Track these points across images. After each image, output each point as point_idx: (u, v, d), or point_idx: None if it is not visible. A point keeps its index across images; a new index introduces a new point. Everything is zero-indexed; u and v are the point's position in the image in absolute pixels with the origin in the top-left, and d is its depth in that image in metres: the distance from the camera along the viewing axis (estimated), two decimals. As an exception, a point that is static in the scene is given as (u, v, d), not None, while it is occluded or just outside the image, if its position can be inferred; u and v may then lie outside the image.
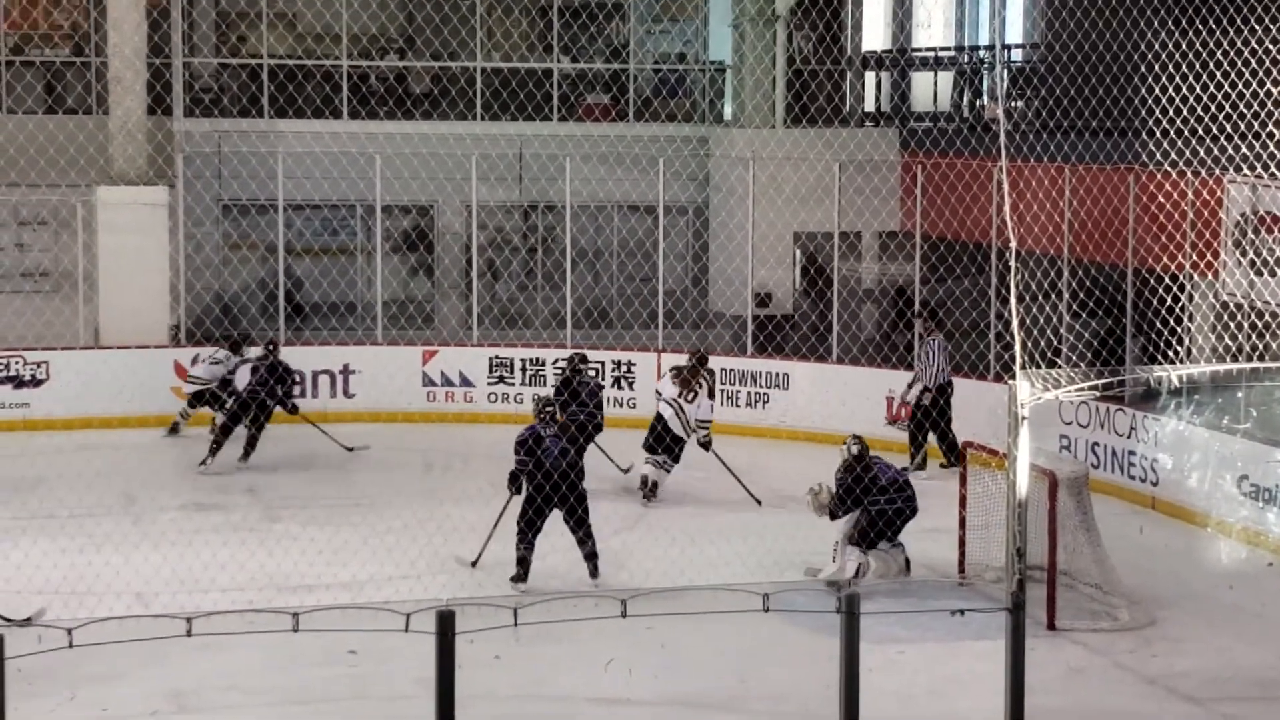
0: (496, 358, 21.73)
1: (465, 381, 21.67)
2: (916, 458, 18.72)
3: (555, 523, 14.50)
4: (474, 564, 14.78)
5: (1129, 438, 17.65)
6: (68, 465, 18.23)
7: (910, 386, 19.15)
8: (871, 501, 14.42)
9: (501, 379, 21.71)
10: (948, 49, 27.12)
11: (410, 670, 11.55)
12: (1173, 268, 17.86)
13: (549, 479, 14.24)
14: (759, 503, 17.37)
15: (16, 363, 20.75)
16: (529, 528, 14.30)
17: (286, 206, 22.69)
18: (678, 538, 15.46)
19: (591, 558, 14.44)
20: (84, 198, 21.94)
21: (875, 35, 27.61)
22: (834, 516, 14.59)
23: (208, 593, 13.63)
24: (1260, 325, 17.08)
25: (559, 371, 19.65)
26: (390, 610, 8.89)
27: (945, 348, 19.19)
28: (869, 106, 26.46)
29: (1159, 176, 17.76)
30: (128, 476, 17.90)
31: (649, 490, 17.48)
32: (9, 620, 12.36)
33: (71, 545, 15.10)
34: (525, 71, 25.02)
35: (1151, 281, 17.30)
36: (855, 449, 14.60)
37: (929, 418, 18.96)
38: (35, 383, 20.75)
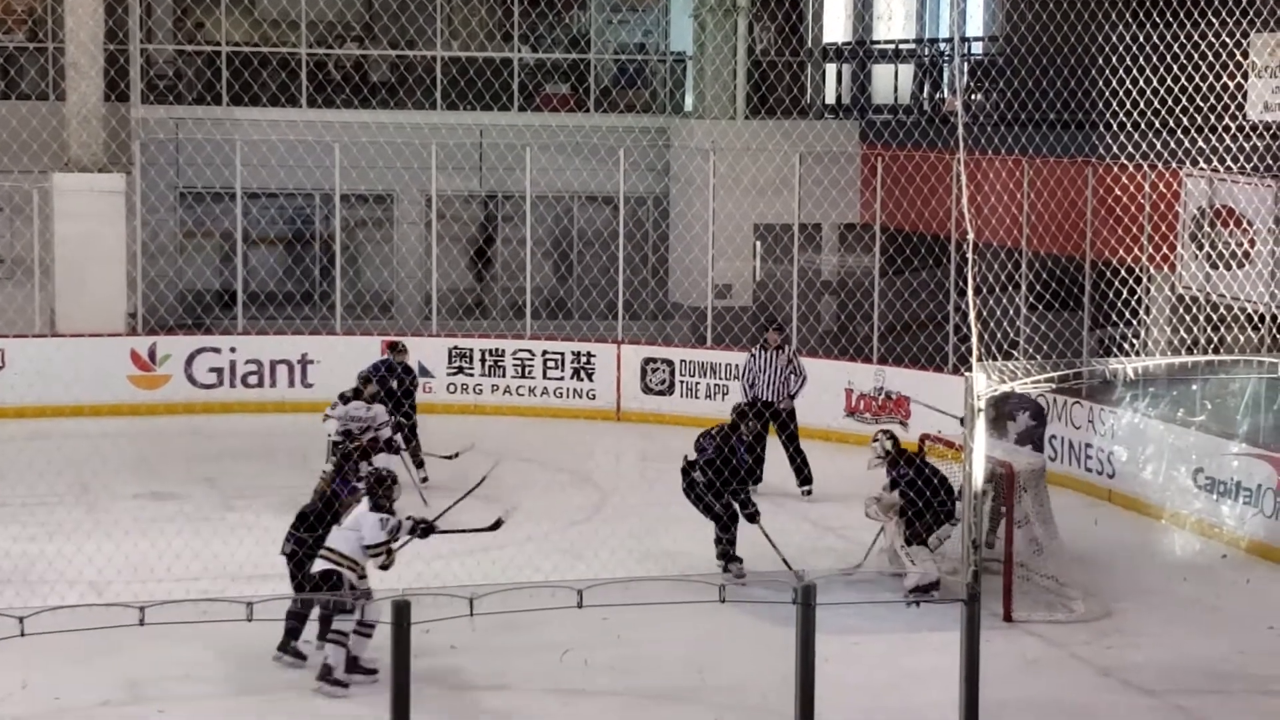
0: (456, 348, 21.67)
1: (424, 372, 21.53)
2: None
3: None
4: None
5: (1085, 430, 17.71)
6: (21, 453, 18.07)
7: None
8: (934, 491, 14.07)
9: (460, 369, 21.65)
10: (908, 41, 27.16)
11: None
12: (1130, 261, 17.93)
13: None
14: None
15: (-30, 350, 20.60)
16: None
17: (244, 195, 22.58)
18: (635, 528, 15.45)
19: None
20: (40, 184, 21.78)
21: (836, 27, 27.63)
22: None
23: (161, 582, 13.53)
24: (1216, 318, 17.16)
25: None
26: (345, 599, 8.85)
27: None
28: (829, 98, 26.48)
29: (1116, 170, 17.82)
30: (82, 465, 17.78)
31: None
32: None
33: (24, 534, 15.00)
34: (485, 60, 24.94)
35: (1108, 274, 17.37)
36: (890, 444, 14.27)
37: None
38: (-11, 370, 20.59)
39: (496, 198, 24.74)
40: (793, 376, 17.69)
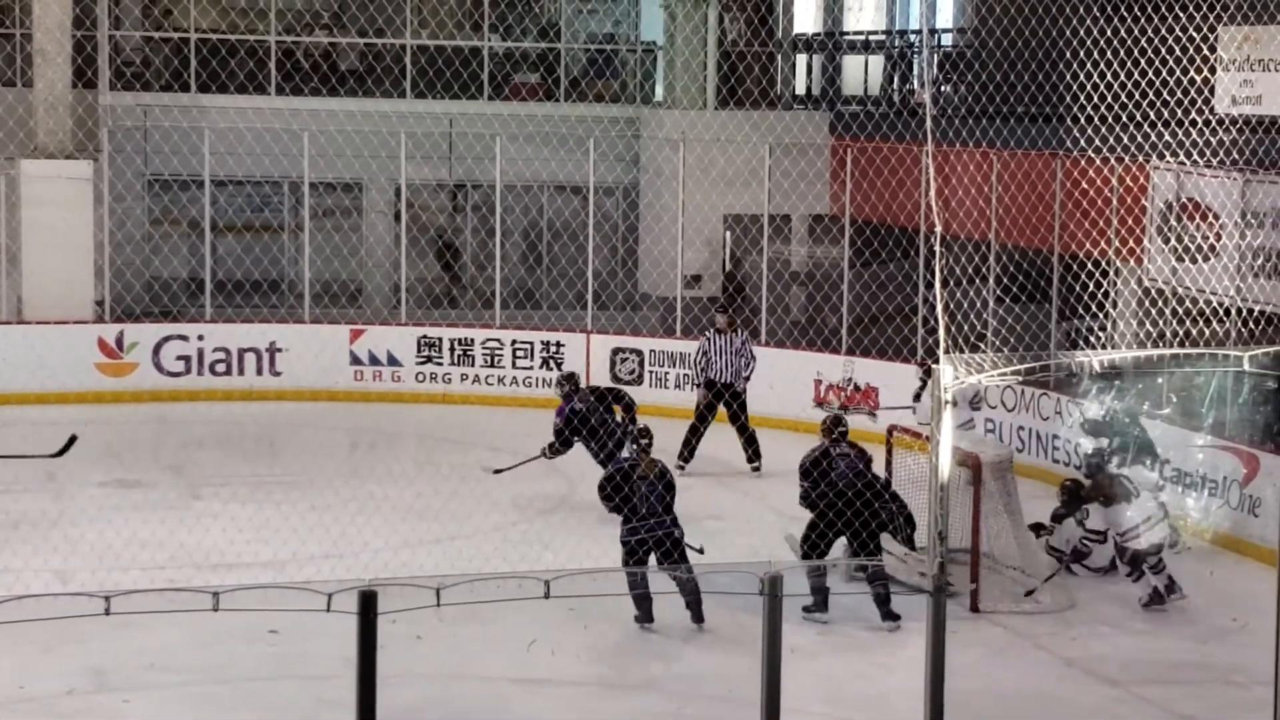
0: (424, 337, 21.64)
1: (393, 361, 21.57)
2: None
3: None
4: None
5: (1053, 422, 17.76)
6: (-13, 441, 18.01)
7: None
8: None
9: (429, 359, 21.62)
10: (877, 33, 27.20)
11: (332, 650, 11.45)
12: (1097, 253, 17.99)
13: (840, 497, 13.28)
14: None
15: (-64, 337, 20.50)
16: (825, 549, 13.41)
17: (213, 182, 22.51)
18: (602, 518, 15.43)
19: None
20: (7, 171, 21.68)
21: (806, 18, 27.66)
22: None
23: (128, 571, 13.50)
24: (1183, 311, 17.23)
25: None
26: (312, 589, 8.82)
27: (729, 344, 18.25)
28: (799, 89, 26.49)
29: (1084, 163, 17.87)
30: (48, 453, 17.70)
31: None
32: None
33: (-11, 522, 14.94)
34: (454, 49, 24.88)
35: (1076, 267, 17.42)
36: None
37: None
38: (-45, 358, 20.48)
39: (465, 187, 24.71)
40: (744, 360, 18.11)
